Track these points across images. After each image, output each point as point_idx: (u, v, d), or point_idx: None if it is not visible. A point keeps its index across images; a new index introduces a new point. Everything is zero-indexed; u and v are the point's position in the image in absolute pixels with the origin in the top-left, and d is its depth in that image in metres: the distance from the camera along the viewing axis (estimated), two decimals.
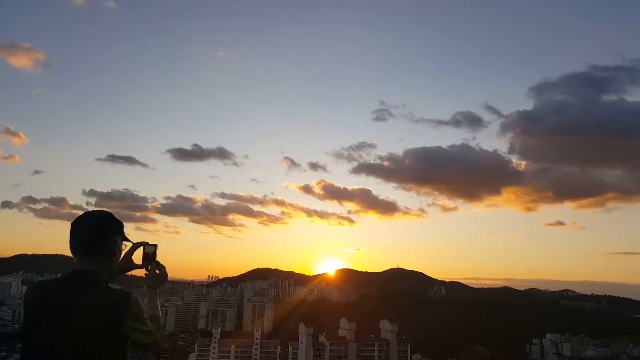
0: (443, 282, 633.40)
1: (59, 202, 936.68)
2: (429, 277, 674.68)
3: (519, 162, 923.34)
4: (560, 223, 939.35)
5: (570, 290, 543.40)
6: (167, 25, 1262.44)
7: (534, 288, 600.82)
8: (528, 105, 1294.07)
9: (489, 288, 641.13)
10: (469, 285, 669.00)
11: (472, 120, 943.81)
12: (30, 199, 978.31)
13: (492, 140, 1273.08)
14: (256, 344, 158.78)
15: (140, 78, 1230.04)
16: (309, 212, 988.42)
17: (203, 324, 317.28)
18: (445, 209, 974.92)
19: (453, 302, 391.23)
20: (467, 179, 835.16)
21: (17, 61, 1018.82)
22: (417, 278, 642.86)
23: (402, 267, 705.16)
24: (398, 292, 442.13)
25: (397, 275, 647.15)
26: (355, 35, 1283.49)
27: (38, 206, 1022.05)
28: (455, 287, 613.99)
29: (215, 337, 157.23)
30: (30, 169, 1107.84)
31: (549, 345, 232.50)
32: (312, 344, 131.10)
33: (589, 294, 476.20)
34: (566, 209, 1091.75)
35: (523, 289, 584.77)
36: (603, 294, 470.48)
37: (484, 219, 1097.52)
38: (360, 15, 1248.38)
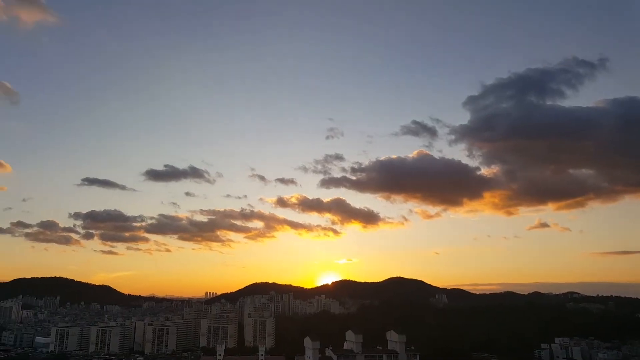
0: (444, 290, 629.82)
1: (50, 225, 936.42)
2: (428, 284, 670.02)
3: (489, 169, 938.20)
4: (543, 225, 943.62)
5: (575, 293, 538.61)
6: (123, 47, 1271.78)
7: (537, 292, 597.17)
8: (466, 115, 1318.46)
9: (491, 293, 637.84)
10: (470, 292, 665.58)
11: (426, 130, 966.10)
12: (20, 224, 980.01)
13: (454, 148, 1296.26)
14: (261, 359, 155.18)
15: (104, 102, 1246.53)
16: (294, 225, 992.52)
17: (204, 342, 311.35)
18: (427, 216, 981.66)
19: (456, 309, 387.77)
20: (438, 186, 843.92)
21: None
22: (416, 286, 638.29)
23: (401, 275, 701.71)
24: (399, 302, 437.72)
25: (397, 284, 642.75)
26: (304, 51, 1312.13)
27: (29, 230, 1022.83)
28: (456, 294, 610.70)
29: (219, 355, 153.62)
30: (18, 196, 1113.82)
31: (558, 349, 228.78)
32: (318, 358, 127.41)
33: (595, 295, 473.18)
34: (544, 211, 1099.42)
35: (526, 293, 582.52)
36: (609, 295, 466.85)
37: (466, 225, 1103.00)
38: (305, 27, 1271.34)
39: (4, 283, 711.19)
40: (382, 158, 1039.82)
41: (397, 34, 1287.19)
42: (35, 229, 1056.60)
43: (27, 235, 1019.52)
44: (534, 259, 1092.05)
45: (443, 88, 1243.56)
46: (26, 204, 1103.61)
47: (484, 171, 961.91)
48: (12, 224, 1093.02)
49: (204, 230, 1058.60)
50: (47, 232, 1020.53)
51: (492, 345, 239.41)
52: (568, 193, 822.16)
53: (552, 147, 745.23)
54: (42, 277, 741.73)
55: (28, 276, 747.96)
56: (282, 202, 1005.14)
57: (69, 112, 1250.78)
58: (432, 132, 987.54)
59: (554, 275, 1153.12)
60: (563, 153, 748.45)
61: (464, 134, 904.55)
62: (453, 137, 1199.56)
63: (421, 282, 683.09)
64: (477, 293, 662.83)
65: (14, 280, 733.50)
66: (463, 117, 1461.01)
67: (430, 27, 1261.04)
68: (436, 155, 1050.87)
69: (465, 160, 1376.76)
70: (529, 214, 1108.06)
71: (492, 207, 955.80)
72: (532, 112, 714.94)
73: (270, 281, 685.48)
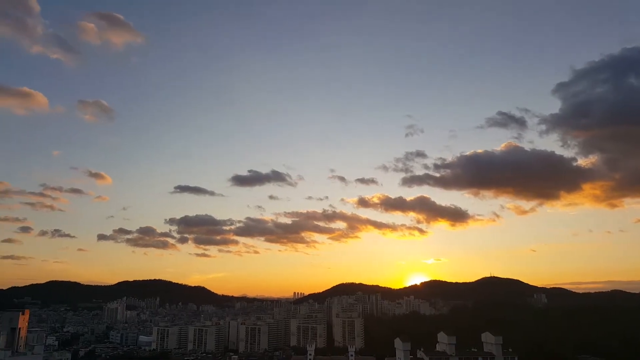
0: (543, 289, 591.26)
1: (148, 231, 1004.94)
2: (526, 284, 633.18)
3: (587, 159, 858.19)
4: None
5: None
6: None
7: None
8: (556, 103, 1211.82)
9: (595, 292, 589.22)
10: (572, 291, 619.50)
11: (514, 121, 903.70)
12: (122, 231, 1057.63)
13: (546, 139, 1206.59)
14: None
15: (190, 114, 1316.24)
16: (377, 225, 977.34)
17: (295, 341, 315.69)
18: (521, 212, 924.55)
19: (557, 310, 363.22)
20: (531, 180, 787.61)
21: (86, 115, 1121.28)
22: (512, 286, 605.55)
23: (495, 275, 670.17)
24: (494, 302, 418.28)
25: (491, 284, 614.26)
26: (378, 48, 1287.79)
27: (130, 236, 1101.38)
28: (557, 294, 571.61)
29: (310, 354, 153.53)
30: (119, 205, 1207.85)
31: None
32: (410, 359, 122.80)
33: None
34: None
35: (637, 292, 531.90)
36: None
37: (565, 219, 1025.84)
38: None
39: (109, 286, 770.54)
40: (468, 153, 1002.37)
41: (477, 21, 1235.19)
42: (135, 235, 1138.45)
43: (128, 241, 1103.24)
44: None
45: (529, 76, 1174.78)
46: (126, 212, 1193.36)
47: (582, 161, 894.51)
48: (114, 230, 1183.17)
49: (288, 232, 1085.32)
50: (146, 237, 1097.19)
51: (598, 348, 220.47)
52: None
53: None
54: (142, 280, 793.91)
55: (130, 279, 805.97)
56: (363, 202, 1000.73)
57: (159, 125, 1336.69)
58: (520, 123, 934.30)
59: None
60: None
61: (555, 123, 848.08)
62: (544, 127, 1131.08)
63: (518, 281, 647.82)
64: (580, 292, 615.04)
65: (118, 283, 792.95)
66: (553, 106, 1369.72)
67: (511, 11, 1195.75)
68: (527, 147, 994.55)
69: (559, 151, 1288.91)
70: (635, 206, 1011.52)
71: (592, 200, 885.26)
72: (633, 95, 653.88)
73: (357, 282, 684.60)
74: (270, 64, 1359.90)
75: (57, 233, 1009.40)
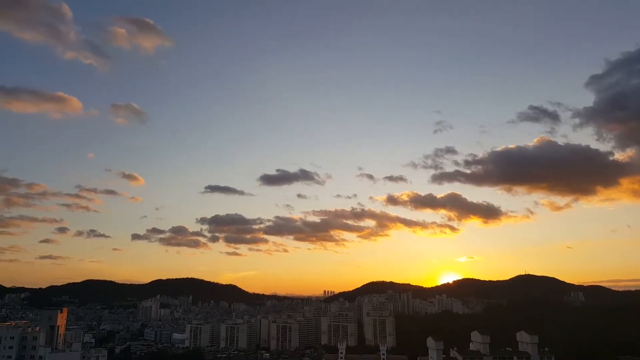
0: (580, 287, 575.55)
1: (180, 230, 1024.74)
2: (562, 282, 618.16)
3: (624, 152, 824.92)
4: None
5: None
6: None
7: None
8: (589, 96, 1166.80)
9: (636, 290, 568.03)
10: (611, 289, 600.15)
11: (546, 115, 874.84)
12: (155, 230, 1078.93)
13: (580, 133, 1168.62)
14: (383, 359, 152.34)
15: (219, 115, 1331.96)
16: (407, 223, 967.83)
17: (325, 340, 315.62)
18: (556, 208, 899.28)
19: (595, 308, 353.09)
20: (566, 175, 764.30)
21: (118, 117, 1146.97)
22: (548, 284, 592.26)
23: (530, 272, 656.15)
24: (529, 300, 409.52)
25: (526, 282, 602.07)
26: (406, 43, 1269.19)
27: (163, 236, 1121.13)
28: (594, 292, 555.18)
29: (341, 353, 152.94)
30: (152, 205, 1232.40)
31: None
32: (443, 359, 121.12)
33: None
34: None
35: None
36: None
37: (602, 215, 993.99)
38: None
39: (143, 285, 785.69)
40: (499, 148, 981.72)
41: (506, 14, 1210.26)
42: (167, 234, 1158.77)
43: (161, 240, 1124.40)
44: None
45: (561, 69, 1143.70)
46: (159, 212, 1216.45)
47: (618, 155, 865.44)
48: (148, 230, 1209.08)
49: (317, 230, 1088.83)
50: (178, 236, 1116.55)
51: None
52: None
53: None
54: (175, 278, 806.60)
55: (164, 277, 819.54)
56: (392, 200, 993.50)
57: (189, 126, 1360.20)
58: (553, 117, 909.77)
59: None
60: None
61: (590, 116, 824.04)
62: (578, 120, 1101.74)
63: (553, 279, 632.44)
64: (620, 290, 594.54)
65: (152, 281, 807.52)
66: (587, 99, 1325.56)
67: (542, 3, 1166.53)
68: (560, 141, 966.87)
69: (594, 144, 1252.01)
70: None
71: (631, 195, 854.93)
72: None
73: (387, 280, 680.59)
74: (298, 64, 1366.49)
75: (92, 233, 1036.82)
